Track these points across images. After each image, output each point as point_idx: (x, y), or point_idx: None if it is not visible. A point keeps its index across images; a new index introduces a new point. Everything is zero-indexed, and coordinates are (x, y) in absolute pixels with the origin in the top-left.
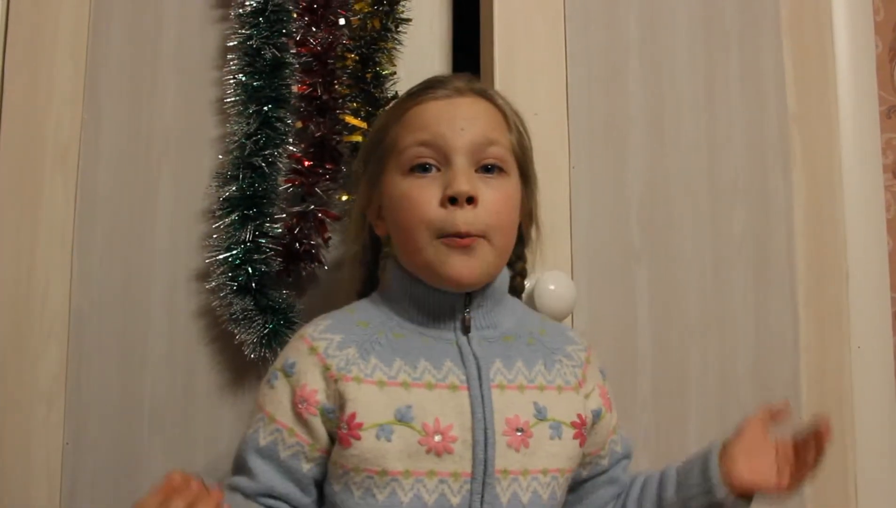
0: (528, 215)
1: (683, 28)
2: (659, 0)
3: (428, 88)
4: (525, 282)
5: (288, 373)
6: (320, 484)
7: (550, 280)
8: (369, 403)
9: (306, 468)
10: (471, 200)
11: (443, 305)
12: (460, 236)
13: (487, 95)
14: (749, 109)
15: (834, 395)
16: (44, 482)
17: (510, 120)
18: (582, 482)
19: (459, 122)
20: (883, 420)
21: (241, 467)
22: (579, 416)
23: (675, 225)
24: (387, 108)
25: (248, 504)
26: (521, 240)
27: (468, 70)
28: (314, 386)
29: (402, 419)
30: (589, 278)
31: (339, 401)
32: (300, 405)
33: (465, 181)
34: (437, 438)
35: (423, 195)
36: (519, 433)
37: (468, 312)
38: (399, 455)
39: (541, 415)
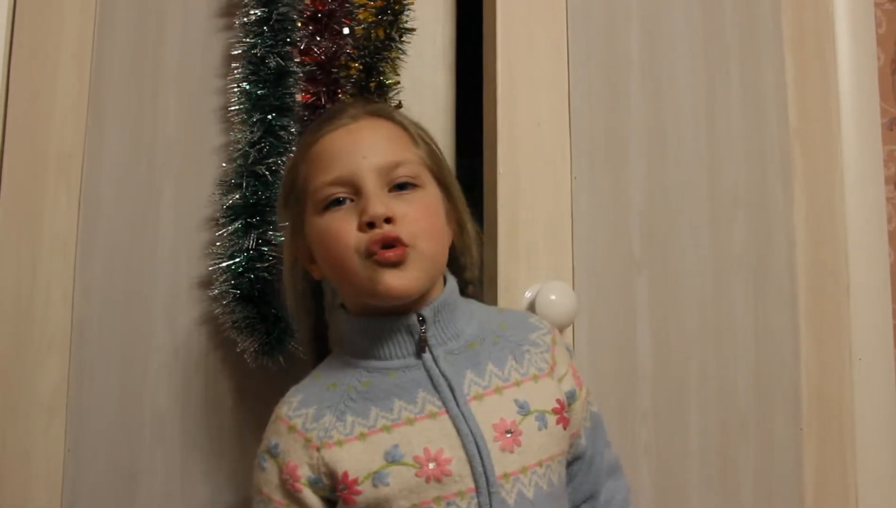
0: (457, 225)
1: (684, 40)
2: (660, 13)
3: (325, 122)
4: (474, 289)
5: (273, 454)
6: None
7: (552, 291)
8: (356, 457)
9: None
10: (388, 220)
11: (396, 328)
12: (386, 245)
13: (385, 115)
14: (750, 122)
15: (834, 407)
16: (44, 491)
17: (414, 135)
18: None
19: (361, 150)
20: (884, 433)
21: None
22: (558, 401)
23: (676, 237)
24: (296, 147)
25: None
26: (462, 250)
27: (471, 80)
28: (296, 461)
29: (393, 459)
30: (590, 288)
31: (327, 468)
32: (288, 482)
33: (378, 204)
34: (432, 465)
35: (342, 225)
36: (509, 435)
37: (423, 331)
38: (400, 493)
39: (524, 410)
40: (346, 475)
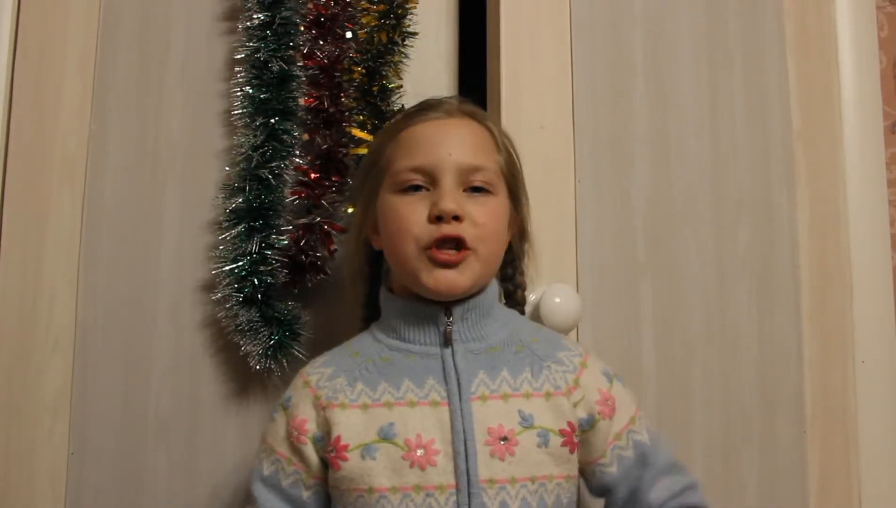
0: (519, 231)
1: (688, 44)
2: (664, 17)
3: (420, 111)
4: (527, 294)
5: (285, 407)
6: None
7: (556, 293)
8: (353, 425)
9: (306, 495)
10: (457, 218)
11: (424, 316)
12: (446, 241)
13: (477, 117)
14: (753, 125)
15: (838, 409)
16: (48, 492)
17: (498, 141)
18: (602, 493)
19: (448, 146)
20: (887, 435)
21: (248, 497)
22: (569, 423)
23: (680, 240)
24: (384, 127)
25: None
26: (518, 255)
27: (474, 84)
28: (304, 416)
29: (385, 436)
30: (594, 291)
31: (327, 428)
32: (293, 435)
33: (450, 200)
34: (420, 452)
35: (412, 211)
36: (503, 442)
37: (449, 324)
38: (384, 471)
39: (526, 423)
40: (338, 439)
